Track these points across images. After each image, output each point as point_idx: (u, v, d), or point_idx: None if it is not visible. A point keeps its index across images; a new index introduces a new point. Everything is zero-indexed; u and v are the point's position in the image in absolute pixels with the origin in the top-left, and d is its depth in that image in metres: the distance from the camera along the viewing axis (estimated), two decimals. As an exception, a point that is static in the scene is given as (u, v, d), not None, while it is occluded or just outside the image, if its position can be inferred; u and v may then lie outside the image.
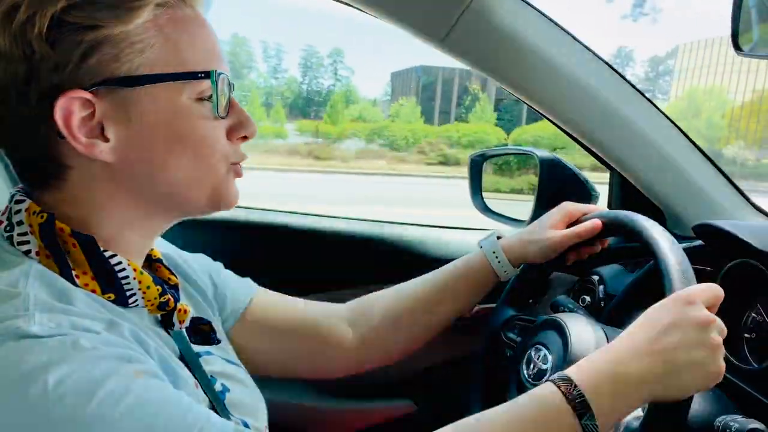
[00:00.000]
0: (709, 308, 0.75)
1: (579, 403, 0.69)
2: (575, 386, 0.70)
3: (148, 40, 0.68)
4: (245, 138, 0.78)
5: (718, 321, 0.74)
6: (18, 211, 0.71)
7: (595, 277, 1.35)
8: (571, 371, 0.73)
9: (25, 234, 0.69)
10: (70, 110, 0.66)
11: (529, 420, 0.71)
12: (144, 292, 0.74)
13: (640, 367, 0.71)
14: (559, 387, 0.71)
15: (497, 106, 33.96)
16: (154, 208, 0.76)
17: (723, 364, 0.73)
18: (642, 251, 0.89)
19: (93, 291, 0.70)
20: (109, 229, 0.73)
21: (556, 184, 1.36)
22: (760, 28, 0.88)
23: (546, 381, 0.85)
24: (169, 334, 0.79)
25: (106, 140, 0.69)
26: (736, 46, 0.88)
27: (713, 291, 0.76)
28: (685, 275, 0.78)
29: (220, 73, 0.72)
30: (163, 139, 0.71)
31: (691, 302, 0.74)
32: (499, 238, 1.10)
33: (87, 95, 0.67)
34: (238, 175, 0.79)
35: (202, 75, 0.71)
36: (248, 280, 1.07)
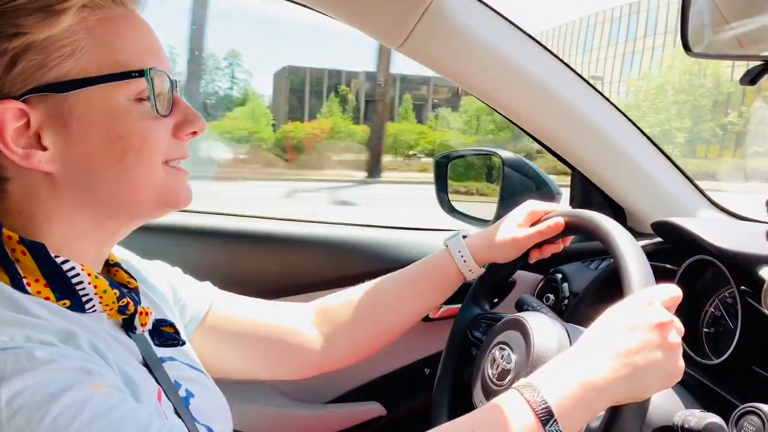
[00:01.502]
0: (667, 308, 0.76)
1: (543, 410, 0.69)
2: (539, 393, 0.71)
3: (78, 42, 0.67)
4: (194, 134, 0.77)
5: (676, 321, 0.76)
6: None
7: (559, 275, 1.37)
8: (534, 378, 0.74)
9: None
10: (3, 121, 0.65)
11: (494, 428, 0.71)
12: (101, 297, 0.72)
13: (603, 371, 0.71)
14: (522, 394, 0.71)
15: (367, 106, 34.36)
16: (105, 215, 0.74)
17: (682, 364, 0.75)
18: (603, 249, 0.90)
19: (47, 298, 0.68)
20: (60, 238, 0.71)
21: (520, 184, 1.38)
22: (711, 30, 0.90)
23: (511, 381, 0.86)
24: (131, 338, 0.78)
25: (45, 149, 0.67)
26: (686, 47, 0.90)
27: (671, 291, 0.77)
28: (643, 276, 0.79)
29: (156, 71, 0.70)
30: (102, 143, 0.69)
31: (649, 303, 0.75)
32: (464, 237, 1.10)
33: (19, 105, 0.65)
34: (181, 172, 0.77)
35: (136, 74, 0.69)
36: (207, 284, 1.06)
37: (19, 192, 0.69)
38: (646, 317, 0.74)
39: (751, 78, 0.83)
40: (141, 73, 0.69)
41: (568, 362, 0.74)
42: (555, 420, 0.69)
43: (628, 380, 0.71)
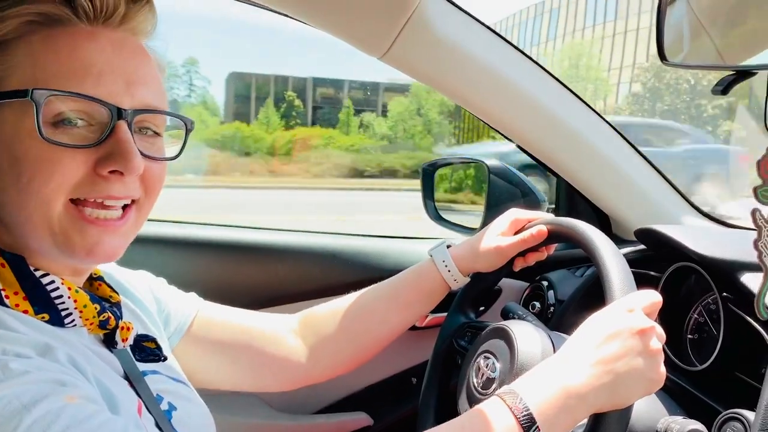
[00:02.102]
0: (648, 314, 0.76)
1: (525, 417, 0.70)
2: (521, 399, 0.71)
3: (13, 57, 0.66)
4: (119, 174, 0.68)
5: (657, 327, 0.76)
6: None
7: (545, 283, 1.37)
8: (516, 385, 0.74)
9: None
10: None
11: None
12: (81, 311, 0.72)
13: (584, 379, 0.72)
14: (505, 401, 0.72)
15: (315, 111, 34.43)
16: (30, 243, 0.70)
17: (663, 371, 0.75)
18: (587, 256, 0.91)
19: (25, 312, 0.67)
20: (31, 250, 0.70)
21: (506, 192, 1.38)
22: (690, 41, 0.91)
23: (493, 392, 0.86)
24: (112, 352, 0.77)
25: None
26: (662, 57, 0.91)
27: (651, 298, 0.78)
28: (624, 283, 0.80)
29: (57, 93, 0.64)
30: (5, 163, 0.66)
31: (630, 310, 0.75)
32: (448, 246, 1.10)
33: None
34: (89, 221, 0.68)
35: (21, 94, 0.64)
36: (192, 295, 1.05)
37: None
38: (626, 324, 0.74)
39: (722, 87, 0.84)
40: (25, 94, 0.64)
41: (551, 370, 0.74)
42: (537, 426, 0.69)
43: (609, 387, 0.72)
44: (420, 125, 29.86)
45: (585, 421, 0.75)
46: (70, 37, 0.67)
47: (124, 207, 0.71)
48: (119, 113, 0.67)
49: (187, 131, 0.77)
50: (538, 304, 1.35)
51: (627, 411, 0.73)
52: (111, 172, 0.67)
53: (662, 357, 0.75)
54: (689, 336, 1.10)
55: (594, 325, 0.76)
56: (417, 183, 1.58)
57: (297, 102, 34.05)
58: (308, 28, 1.13)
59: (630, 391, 0.73)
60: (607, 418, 0.72)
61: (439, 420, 1.06)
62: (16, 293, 0.68)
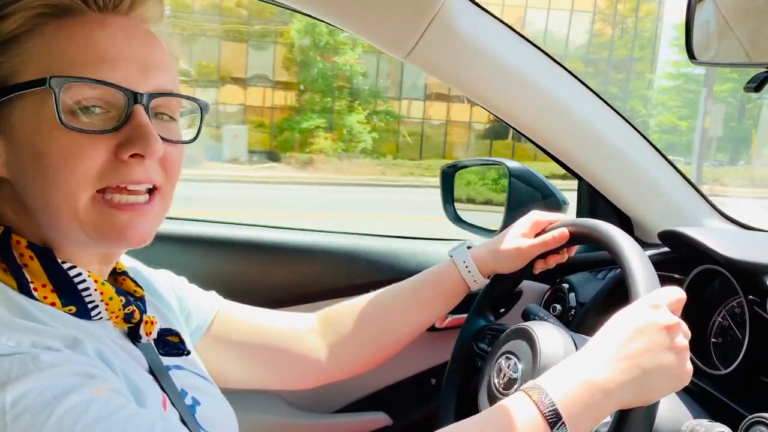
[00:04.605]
0: (673, 311, 0.76)
1: (551, 412, 0.69)
2: (547, 395, 0.70)
3: (29, 50, 0.67)
4: (140, 157, 0.68)
5: (683, 324, 0.75)
6: None
7: (566, 285, 1.36)
8: (542, 380, 0.73)
9: None
10: None
11: (501, 429, 0.70)
12: (107, 304, 0.72)
13: (610, 374, 0.71)
14: (530, 396, 0.71)
15: None
16: (54, 234, 0.70)
17: (690, 366, 0.75)
18: (609, 259, 0.90)
19: (53, 304, 0.68)
20: (58, 242, 0.71)
21: (526, 194, 1.38)
22: (717, 39, 0.90)
23: (517, 390, 0.85)
24: (137, 346, 0.78)
25: None
26: (691, 56, 0.90)
27: (676, 294, 0.77)
28: (649, 280, 0.79)
29: (73, 80, 0.64)
30: (28, 157, 0.66)
31: (655, 306, 0.75)
32: (469, 248, 1.10)
33: None
34: (117, 207, 0.69)
35: (39, 83, 0.64)
36: (213, 294, 1.06)
37: (1, 197, 0.71)
38: (652, 319, 0.74)
39: (755, 85, 0.83)
40: (42, 82, 0.64)
41: (576, 365, 0.74)
42: (563, 422, 0.69)
43: (636, 383, 0.71)
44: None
45: (609, 418, 0.75)
46: (82, 26, 0.67)
47: (149, 192, 0.72)
48: (135, 97, 0.67)
49: (202, 114, 0.77)
50: (558, 307, 1.34)
51: (653, 408, 0.73)
52: (132, 156, 0.67)
53: (688, 353, 0.75)
54: (713, 339, 1.09)
55: (619, 321, 0.76)
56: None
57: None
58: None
59: (657, 387, 0.72)
60: (632, 414, 0.72)
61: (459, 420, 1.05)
62: (44, 285, 0.68)
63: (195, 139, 0.77)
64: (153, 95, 0.69)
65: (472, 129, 25.60)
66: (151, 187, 0.71)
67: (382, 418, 1.45)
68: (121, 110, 0.67)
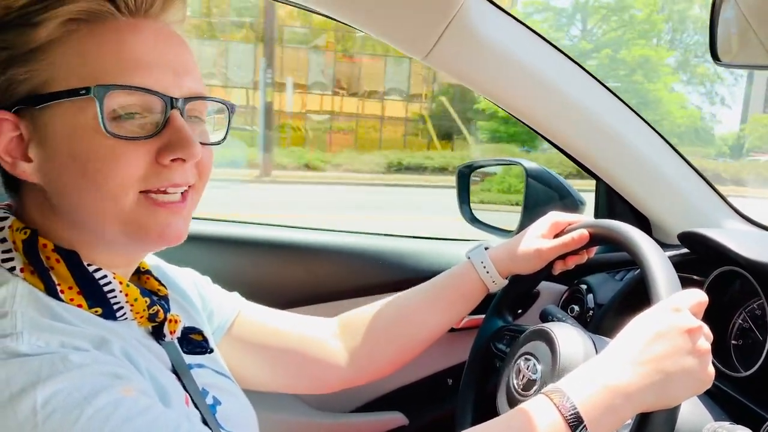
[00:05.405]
0: (694, 314, 0.75)
1: (572, 416, 0.69)
2: (568, 398, 0.70)
3: (61, 57, 0.66)
4: (181, 161, 0.69)
5: (705, 327, 0.75)
6: (1, 228, 0.70)
7: (584, 287, 1.36)
8: (563, 383, 0.73)
9: (9, 251, 0.69)
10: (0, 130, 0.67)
11: None
12: (132, 305, 0.73)
13: (631, 378, 0.71)
14: (552, 399, 0.71)
15: None
16: (90, 237, 0.71)
17: (712, 370, 0.74)
18: (628, 260, 0.90)
19: (79, 306, 0.69)
20: (87, 245, 0.72)
21: (543, 194, 1.37)
22: (739, 40, 0.90)
23: (536, 392, 0.85)
24: (160, 345, 0.79)
25: (30, 161, 0.68)
26: (715, 57, 0.90)
27: (698, 297, 0.77)
28: (670, 282, 0.79)
29: (114, 87, 0.65)
30: (66, 162, 0.67)
31: (676, 309, 0.74)
32: (486, 249, 1.10)
33: (8, 116, 0.67)
34: (158, 205, 0.70)
35: (83, 91, 0.64)
36: (235, 294, 1.07)
37: (30, 201, 0.72)
38: (674, 323, 0.73)
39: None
40: (87, 91, 0.64)
41: (596, 369, 0.74)
42: (584, 425, 0.69)
43: (658, 386, 0.71)
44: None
45: (630, 421, 0.74)
46: (115, 32, 0.67)
47: (183, 191, 0.73)
48: (172, 102, 0.68)
49: (230, 115, 0.78)
50: (577, 308, 1.34)
51: (674, 411, 0.72)
52: (173, 160, 0.68)
53: (710, 357, 0.74)
54: (733, 342, 1.08)
55: (640, 324, 0.75)
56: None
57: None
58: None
59: (678, 390, 0.72)
60: (654, 418, 0.72)
61: (478, 421, 1.05)
62: (70, 288, 0.69)
63: (224, 140, 0.78)
64: (188, 99, 0.70)
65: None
66: (186, 187, 0.73)
67: (398, 418, 1.46)
68: (157, 115, 0.68)
